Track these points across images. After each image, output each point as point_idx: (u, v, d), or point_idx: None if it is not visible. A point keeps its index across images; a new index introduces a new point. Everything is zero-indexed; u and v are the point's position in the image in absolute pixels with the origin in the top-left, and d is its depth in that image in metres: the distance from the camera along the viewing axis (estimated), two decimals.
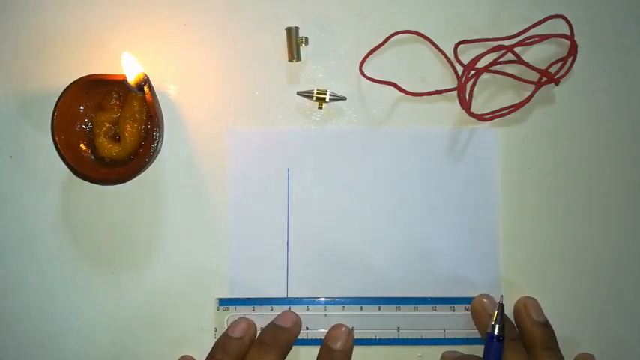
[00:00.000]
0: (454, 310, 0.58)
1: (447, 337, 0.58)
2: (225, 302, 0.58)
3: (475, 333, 0.58)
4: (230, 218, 0.59)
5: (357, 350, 0.57)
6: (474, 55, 0.58)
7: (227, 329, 0.55)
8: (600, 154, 0.60)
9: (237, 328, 0.55)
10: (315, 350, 0.56)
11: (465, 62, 0.58)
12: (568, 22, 0.58)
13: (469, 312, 0.58)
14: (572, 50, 0.57)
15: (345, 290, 0.59)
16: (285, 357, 0.54)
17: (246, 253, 0.59)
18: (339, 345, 0.54)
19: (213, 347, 0.54)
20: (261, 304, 0.58)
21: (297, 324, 0.56)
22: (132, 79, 0.55)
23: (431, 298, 0.58)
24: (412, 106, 0.60)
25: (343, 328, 0.56)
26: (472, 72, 0.58)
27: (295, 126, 0.60)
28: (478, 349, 0.57)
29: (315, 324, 0.58)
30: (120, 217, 0.59)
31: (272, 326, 0.55)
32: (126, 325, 0.59)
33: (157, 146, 0.56)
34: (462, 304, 0.58)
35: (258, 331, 0.57)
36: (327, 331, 0.57)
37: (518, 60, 0.58)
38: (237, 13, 0.60)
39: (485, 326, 0.54)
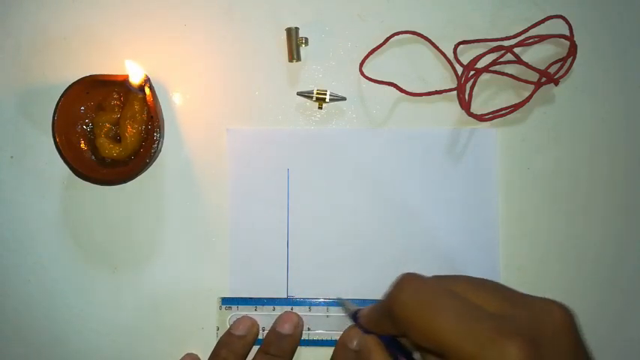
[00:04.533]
0: None
1: None
2: (227, 302, 0.58)
3: None
4: (230, 218, 0.59)
5: None
6: (474, 56, 0.58)
7: (230, 327, 0.56)
8: (600, 153, 0.60)
9: (241, 327, 0.55)
10: (315, 351, 0.57)
11: (465, 62, 0.58)
12: (568, 22, 0.58)
13: None
14: (572, 50, 0.57)
15: (344, 290, 0.59)
16: None
17: (246, 253, 0.59)
18: (355, 344, 0.54)
19: (217, 345, 0.54)
20: (264, 304, 0.58)
21: (299, 326, 0.56)
22: (134, 81, 0.55)
23: None
24: (412, 106, 0.60)
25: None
26: (472, 72, 0.58)
27: (295, 126, 0.60)
28: None
29: (317, 325, 0.58)
30: (120, 217, 0.59)
31: (275, 335, 0.55)
32: (127, 324, 0.59)
33: (157, 147, 0.57)
34: None
35: (260, 331, 0.57)
36: (329, 332, 0.58)
37: (518, 60, 0.58)
38: (238, 14, 0.60)
39: None
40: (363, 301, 0.58)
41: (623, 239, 0.59)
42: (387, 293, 0.43)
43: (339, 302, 0.58)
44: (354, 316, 0.52)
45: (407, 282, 0.42)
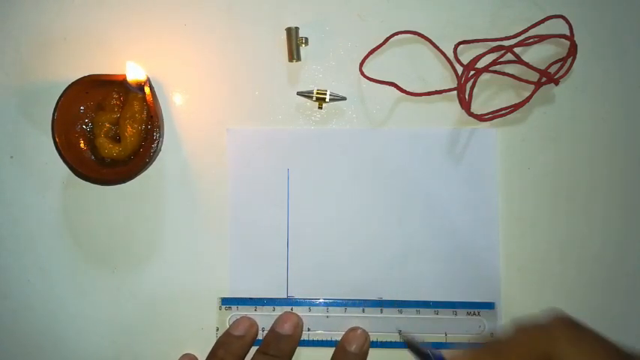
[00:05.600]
0: (456, 315, 0.58)
1: (448, 341, 0.58)
2: (227, 302, 0.58)
3: (477, 338, 0.57)
4: (230, 218, 0.59)
5: None
6: (474, 56, 0.58)
7: (229, 327, 0.55)
8: (600, 154, 0.59)
9: (240, 327, 0.55)
10: (315, 352, 0.56)
11: (465, 62, 0.58)
12: (568, 22, 0.58)
13: (471, 316, 0.58)
14: (572, 50, 0.57)
15: (344, 291, 0.59)
16: None
17: (246, 253, 0.59)
18: (354, 348, 0.54)
19: (215, 345, 0.54)
20: (264, 305, 0.58)
21: (299, 326, 0.56)
22: (133, 80, 0.55)
23: (433, 302, 0.58)
24: (412, 106, 0.60)
25: (359, 331, 0.55)
26: (472, 72, 0.58)
27: (295, 126, 0.60)
28: None
29: (317, 325, 0.58)
30: (120, 217, 0.59)
31: (274, 335, 0.55)
32: (127, 325, 0.59)
33: (157, 146, 0.57)
34: (464, 308, 0.58)
35: (260, 331, 0.57)
36: (329, 332, 0.57)
37: (518, 60, 0.58)
38: (238, 13, 0.60)
39: None
40: (364, 302, 0.58)
41: (624, 239, 0.59)
42: (532, 335, 0.41)
43: (402, 338, 0.57)
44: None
45: (568, 327, 0.41)
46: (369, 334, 0.57)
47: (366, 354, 0.55)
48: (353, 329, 0.56)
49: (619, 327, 0.59)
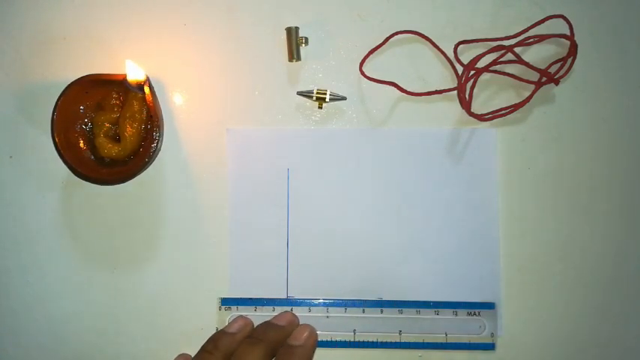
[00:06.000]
0: (456, 315, 0.58)
1: (448, 341, 0.58)
2: (227, 302, 0.58)
3: (477, 338, 0.57)
4: (230, 218, 0.59)
5: (358, 353, 0.58)
6: (474, 55, 0.58)
7: (224, 326, 0.55)
8: (600, 154, 0.59)
9: (234, 325, 0.54)
10: (316, 352, 0.56)
11: (465, 62, 0.58)
12: (568, 22, 0.58)
13: (471, 317, 0.58)
14: (572, 50, 0.57)
15: (344, 291, 0.59)
16: (274, 354, 0.53)
17: (246, 253, 0.59)
18: (299, 342, 0.52)
19: (206, 341, 0.54)
20: (263, 305, 0.58)
21: (293, 323, 0.55)
22: (133, 80, 0.55)
23: (433, 302, 0.58)
24: (412, 106, 0.60)
25: (305, 334, 0.52)
26: (472, 72, 0.58)
27: (295, 126, 0.60)
28: (479, 355, 0.58)
29: (317, 326, 0.57)
30: (120, 217, 0.59)
31: (264, 323, 0.54)
32: (126, 325, 0.59)
33: (156, 146, 0.56)
34: (465, 308, 0.58)
35: None
36: (329, 333, 0.57)
37: (518, 60, 0.58)
38: (238, 13, 0.60)
39: None
40: (364, 302, 0.58)
41: (624, 239, 0.59)
42: None
43: None
44: None
45: None
46: (370, 334, 0.58)
47: (312, 347, 0.53)
48: (302, 327, 0.54)
49: (619, 327, 0.59)
